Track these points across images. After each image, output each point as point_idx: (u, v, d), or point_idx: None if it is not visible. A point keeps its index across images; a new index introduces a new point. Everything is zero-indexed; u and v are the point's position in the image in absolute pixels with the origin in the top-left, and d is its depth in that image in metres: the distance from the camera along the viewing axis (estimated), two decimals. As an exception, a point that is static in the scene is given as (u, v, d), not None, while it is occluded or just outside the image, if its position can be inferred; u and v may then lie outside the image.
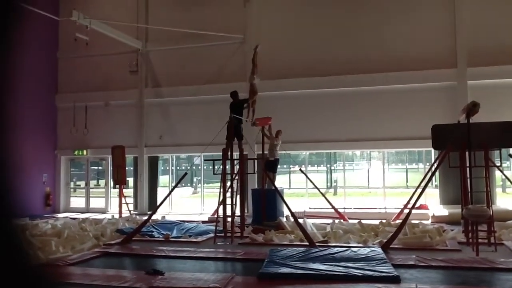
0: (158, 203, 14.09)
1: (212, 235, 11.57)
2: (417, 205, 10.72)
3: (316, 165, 32.25)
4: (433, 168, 12.39)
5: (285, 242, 10.79)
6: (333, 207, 14.94)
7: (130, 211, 17.15)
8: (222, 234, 11.51)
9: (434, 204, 15.63)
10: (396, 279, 7.13)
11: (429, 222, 13.53)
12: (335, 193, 24.46)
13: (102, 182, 20.78)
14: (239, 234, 11.64)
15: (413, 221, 11.83)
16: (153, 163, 19.19)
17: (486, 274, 7.72)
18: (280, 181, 18.05)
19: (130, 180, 19.46)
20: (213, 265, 9.08)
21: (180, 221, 13.93)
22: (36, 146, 17.49)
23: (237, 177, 11.89)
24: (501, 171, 11.57)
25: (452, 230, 11.51)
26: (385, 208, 16.25)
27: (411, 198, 12.95)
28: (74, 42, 15.63)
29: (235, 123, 11.87)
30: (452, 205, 14.50)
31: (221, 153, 11.82)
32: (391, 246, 9.66)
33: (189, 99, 17.96)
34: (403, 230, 10.47)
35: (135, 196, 18.93)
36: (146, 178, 18.81)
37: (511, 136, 9.83)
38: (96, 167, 21.72)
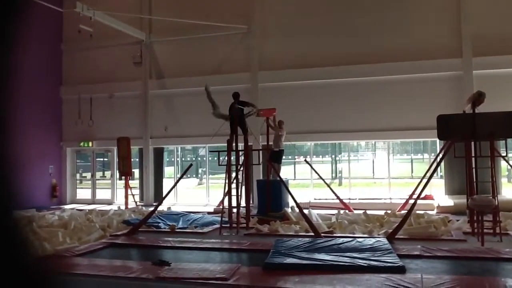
0: (163, 194, 14.15)
1: (217, 226, 11.62)
2: (422, 195, 10.71)
3: (321, 156, 32.21)
4: (438, 158, 12.36)
5: (291, 233, 10.82)
6: (338, 197, 14.94)
7: (136, 202, 17.24)
8: (228, 225, 11.53)
9: (439, 194, 15.61)
10: (401, 269, 7.14)
11: (434, 212, 13.53)
12: (340, 184, 24.48)
13: (108, 174, 20.87)
14: (244, 225, 11.68)
15: (418, 212, 11.82)
16: (159, 154, 19.24)
17: (491, 264, 7.73)
18: (285, 172, 18.06)
19: (136, 172, 19.53)
20: (218, 255, 9.11)
21: (186, 212, 13.99)
22: (41, 138, 17.55)
23: (242, 168, 11.90)
24: (507, 161, 11.53)
25: (457, 221, 11.51)
26: (390, 198, 16.24)
27: (416, 188, 12.95)
28: (78, 34, 15.58)
29: (239, 114, 11.81)
30: (457, 195, 14.47)
31: (226, 144, 11.84)
32: (396, 237, 9.66)
33: (194, 90, 17.90)
34: (408, 220, 10.47)
35: (141, 187, 19.00)
36: (151, 169, 18.87)
37: (517, 126, 9.78)
38: (102, 159, 21.80)
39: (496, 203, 9.33)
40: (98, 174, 21.08)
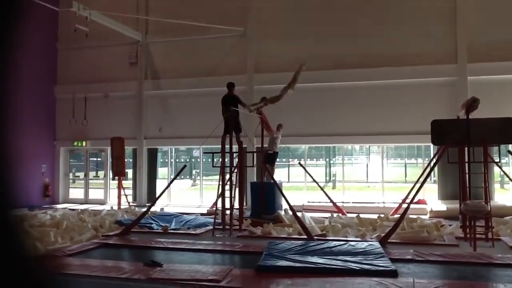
0: (157, 195, 14.11)
1: (210, 227, 11.60)
2: (416, 200, 10.74)
3: (315, 159, 32.28)
4: (432, 163, 12.41)
5: (283, 235, 10.81)
6: (331, 201, 14.96)
7: (129, 202, 17.18)
8: (221, 227, 11.50)
9: (432, 199, 15.66)
10: (393, 273, 7.16)
11: (427, 217, 13.57)
12: (333, 187, 24.52)
13: (101, 174, 20.79)
14: (237, 227, 11.67)
15: (411, 216, 11.86)
16: (152, 155, 19.19)
17: (483, 269, 7.76)
18: (279, 175, 18.06)
19: (129, 172, 19.48)
20: (211, 257, 9.10)
21: (179, 213, 13.94)
22: (35, 137, 17.47)
23: (236, 170, 11.88)
24: (500, 167, 11.59)
25: (450, 225, 11.55)
26: (383, 202, 16.28)
27: (409, 192, 12.98)
28: (74, 33, 15.55)
29: (234, 116, 11.80)
30: (450, 200, 14.52)
31: (220, 146, 11.81)
32: (389, 241, 9.68)
33: (189, 91, 17.93)
34: (401, 224, 10.50)
35: (134, 187, 18.94)
36: (145, 170, 18.82)
37: (510, 132, 9.84)
38: (95, 159, 21.72)
39: (489, 209, 9.37)
40: (91, 174, 20.99)
